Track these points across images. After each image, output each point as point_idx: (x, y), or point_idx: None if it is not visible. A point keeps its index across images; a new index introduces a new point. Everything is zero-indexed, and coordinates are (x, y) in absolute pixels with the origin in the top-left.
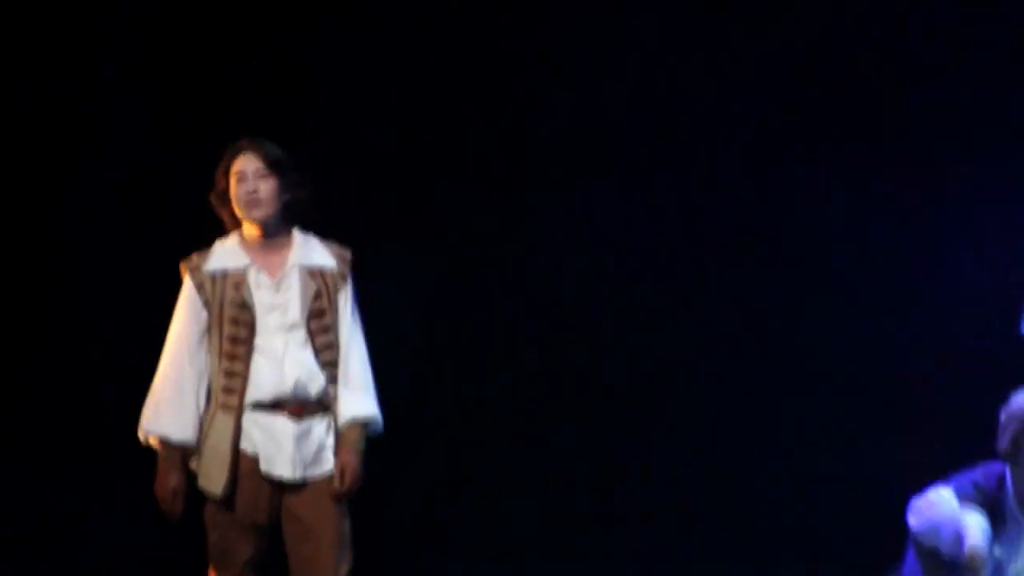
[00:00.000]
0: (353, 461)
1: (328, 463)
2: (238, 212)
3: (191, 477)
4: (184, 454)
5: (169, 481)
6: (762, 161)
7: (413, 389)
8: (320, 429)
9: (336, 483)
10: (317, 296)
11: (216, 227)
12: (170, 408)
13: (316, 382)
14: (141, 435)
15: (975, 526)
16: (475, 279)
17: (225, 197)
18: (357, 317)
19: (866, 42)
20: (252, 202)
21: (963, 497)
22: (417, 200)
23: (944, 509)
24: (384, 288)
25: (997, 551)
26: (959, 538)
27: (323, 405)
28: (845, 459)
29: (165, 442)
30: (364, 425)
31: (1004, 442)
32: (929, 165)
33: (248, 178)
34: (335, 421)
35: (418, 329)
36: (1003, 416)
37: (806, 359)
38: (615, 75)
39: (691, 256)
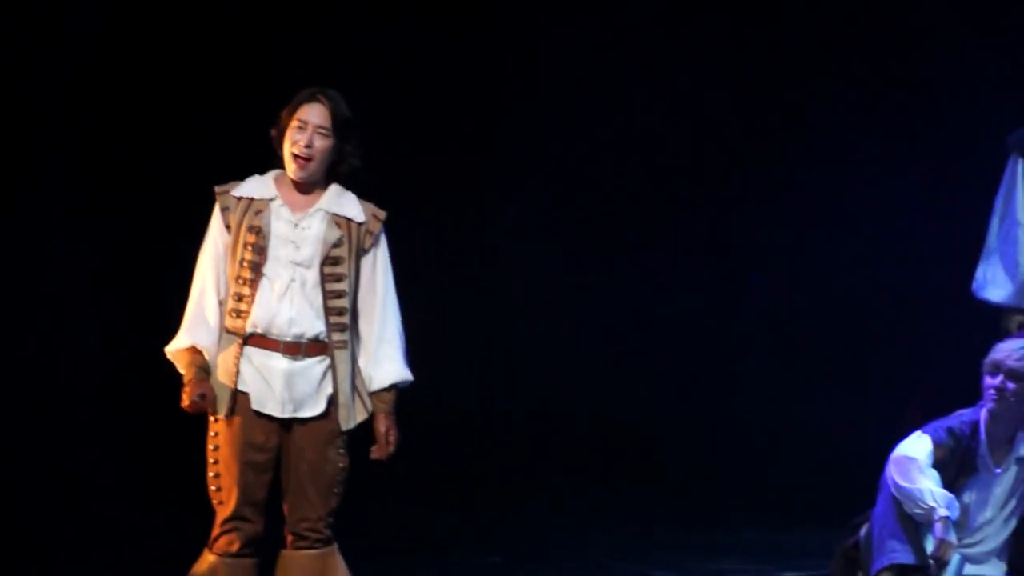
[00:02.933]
0: (393, 426)
1: (321, 405)
2: (286, 155)
3: None
4: (207, 368)
5: (199, 388)
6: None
7: None
8: (317, 371)
9: (381, 449)
10: (338, 243)
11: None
12: (199, 322)
13: (315, 325)
14: (173, 349)
15: (943, 503)
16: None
17: (281, 136)
18: (390, 277)
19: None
20: (302, 156)
21: (938, 444)
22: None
23: (916, 476)
24: None
25: (967, 497)
26: (930, 513)
27: (321, 347)
28: (825, 409)
29: (197, 350)
30: (400, 389)
31: (984, 387)
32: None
33: (308, 129)
34: (359, 376)
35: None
36: (985, 364)
37: (786, 318)
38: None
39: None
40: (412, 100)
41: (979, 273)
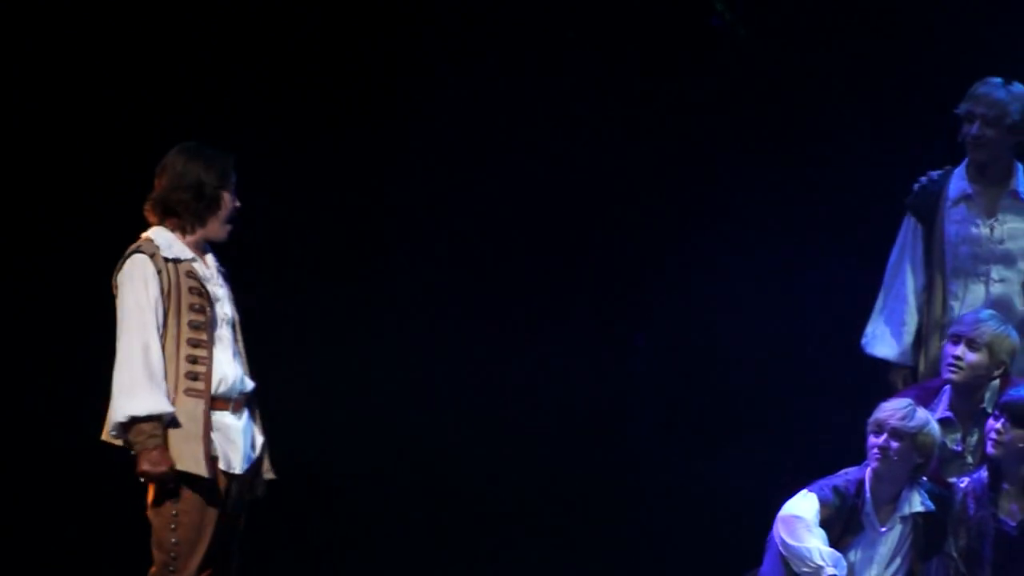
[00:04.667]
0: None
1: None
2: (221, 222)
3: None
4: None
5: (167, 459)
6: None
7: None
8: (253, 424)
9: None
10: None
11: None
12: (158, 384)
13: (248, 380)
14: (123, 418)
15: (830, 562)
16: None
17: (216, 202)
18: None
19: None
20: (233, 220)
21: (825, 502)
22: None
23: (803, 534)
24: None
25: (853, 556)
26: (818, 572)
27: (248, 400)
28: (711, 465)
29: (158, 419)
30: None
31: (869, 447)
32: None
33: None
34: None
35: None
36: (869, 423)
37: (673, 369)
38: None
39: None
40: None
41: (869, 329)
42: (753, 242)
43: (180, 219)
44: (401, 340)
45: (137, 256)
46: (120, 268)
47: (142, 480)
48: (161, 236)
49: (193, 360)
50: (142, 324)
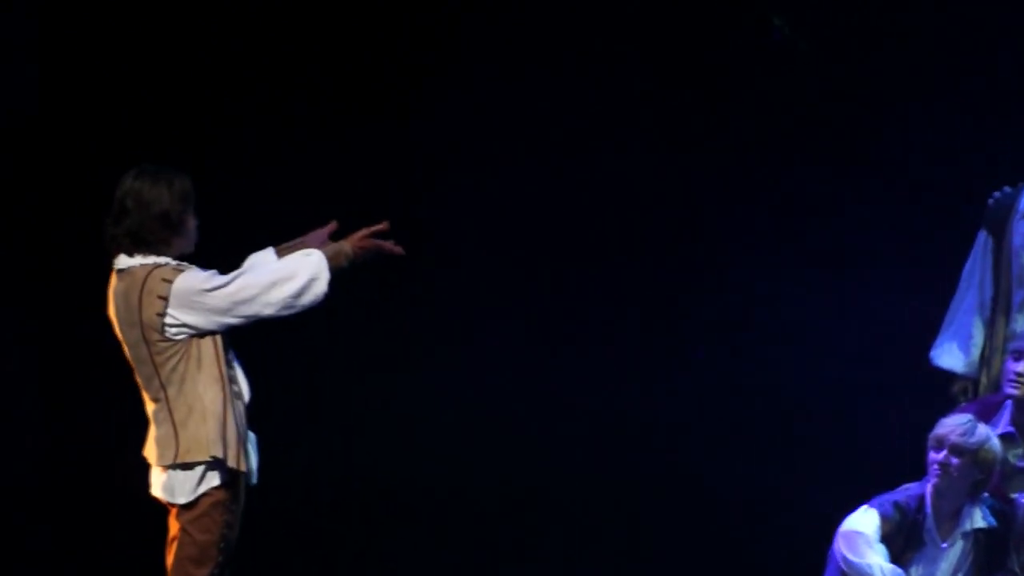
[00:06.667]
0: None
1: None
2: (187, 242)
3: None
4: None
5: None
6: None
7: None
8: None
9: None
10: None
11: None
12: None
13: None
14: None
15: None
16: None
17: (182, 226)
18: None
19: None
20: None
21: (886, 518)
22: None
23: (864, 550)
24: None
25: (914, 572)
26: None
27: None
28: (769, 479)
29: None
30: None
31: (929, 463)
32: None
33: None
34: None
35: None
36: (930, 439)
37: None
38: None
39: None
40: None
41: (937, 341)
42: (817, 254)
43: (151, 248)
44: (452, 353)
45: (184, 265)
46: (172, 287)
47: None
48: (165, 260)
49: (230, 366)
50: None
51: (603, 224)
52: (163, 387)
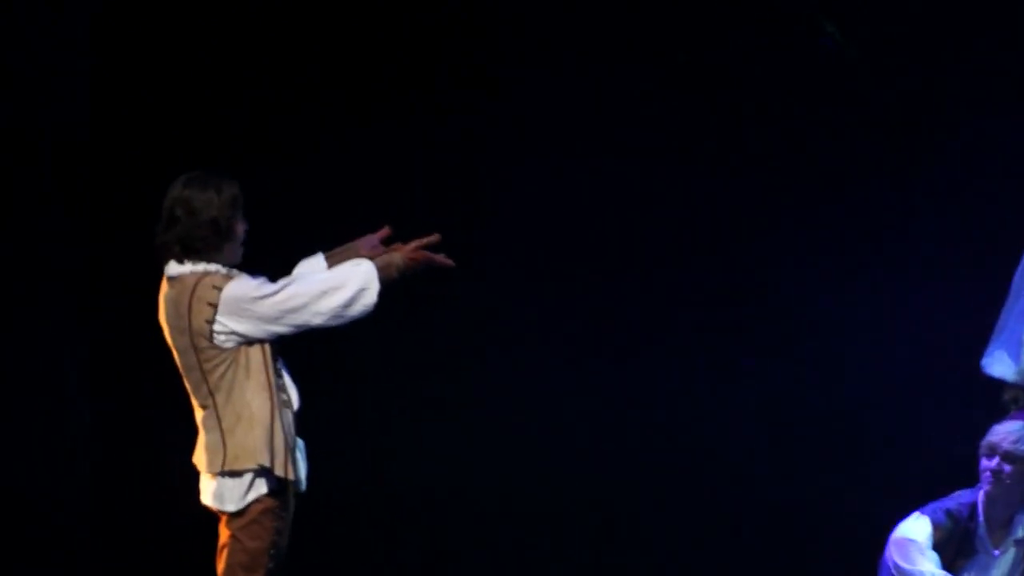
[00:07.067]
0: None
1: None
2: (237, 247)
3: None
4: None
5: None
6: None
7: None
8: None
9: None
10: None
11: None
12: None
13: None
14: (376, 291)
15: None
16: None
17: (231, 232)
18: None
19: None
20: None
21: (938, 525)
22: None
23: (916, 558)
24: None
25: None
26: None
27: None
28: (826, 488)
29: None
30: None
31: (981, 470)
32: (896, 198)
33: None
34: None
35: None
36: (982, 446)
37: (787, 389)
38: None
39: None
40: None
41: (989, 348)
42: (872, 260)
43: (200, 255)
44: (502, 358)
45: (235, 272)
46: (221, 295)
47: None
48: (214, 267)
49: (279, 374)
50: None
51: (643, 228)
52: (211, 394)
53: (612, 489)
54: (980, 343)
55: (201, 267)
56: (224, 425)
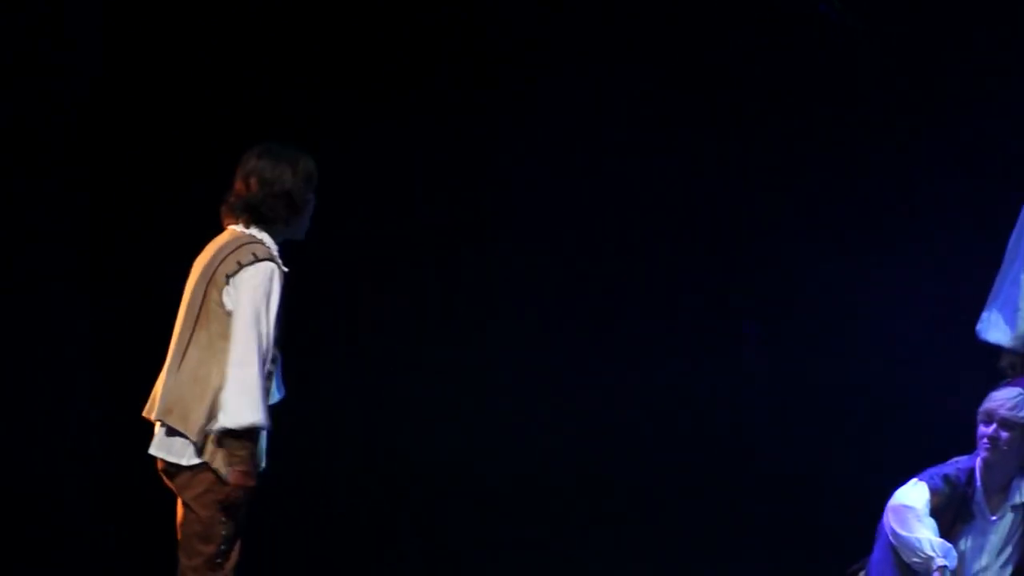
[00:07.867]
0: None
1: None
2: (302, 224)
3: None
4: None
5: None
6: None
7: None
8: None
9: None
10: None
11: None
12: (264, 400)
13: None
14: (240, 424)
15: (941, 552)
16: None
17: (305, 206)
18: None
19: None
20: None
21: (935, 491)
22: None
23: (914, 524)
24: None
25: (963, 545)
26: (928, 563)
27: None
28: (825, 455)
29: (260, 431)
30: None
31: (978, 436)
32: (896, 197)
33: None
34: None
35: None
36: (979, 412)
37: (785, 362)
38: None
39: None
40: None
41: (984, 315)
42: (876, 235)
43: (268, 225)
44: (509, 340)
45: (268, 265)
46: (243, 269)
47: (228, 493)
48: (271, 243)
49: (269, 375)
50: (267, 334)
51: (642, 228)
52: (188, 345)
53: (615, 481)
54: (974, 310)
55: (260, 234)
56: (182, 377)
